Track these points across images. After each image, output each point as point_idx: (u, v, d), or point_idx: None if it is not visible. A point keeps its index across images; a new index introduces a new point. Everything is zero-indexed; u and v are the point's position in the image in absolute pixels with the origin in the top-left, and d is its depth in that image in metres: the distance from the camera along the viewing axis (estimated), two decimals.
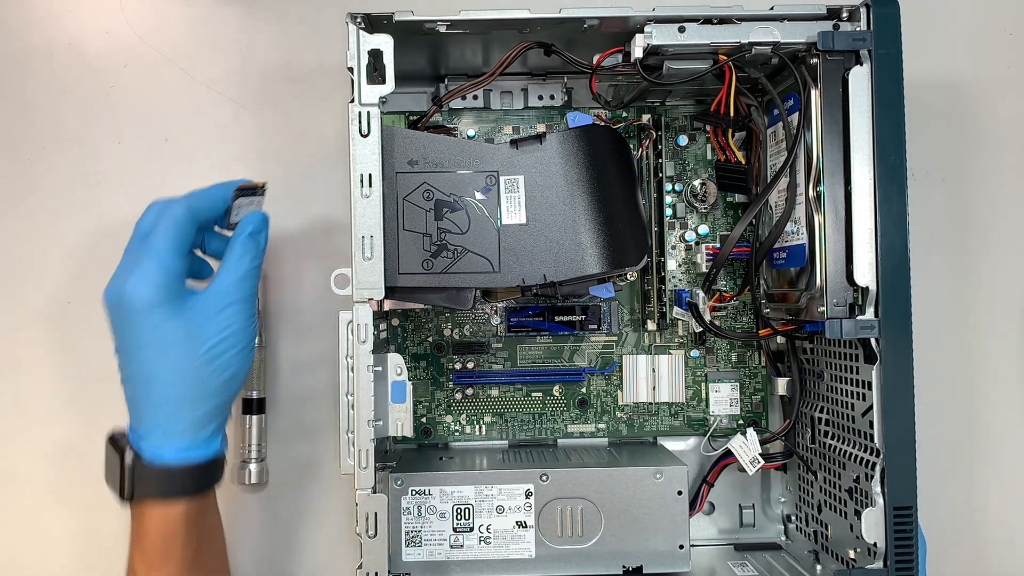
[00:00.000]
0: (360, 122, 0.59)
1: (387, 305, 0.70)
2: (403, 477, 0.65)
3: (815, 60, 0.60)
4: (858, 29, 0.59)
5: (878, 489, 0.58)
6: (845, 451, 0.64)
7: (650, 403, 0.75)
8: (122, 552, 0.75)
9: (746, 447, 0.70)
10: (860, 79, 0.58)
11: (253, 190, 0.63)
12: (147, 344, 0.57)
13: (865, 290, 0.58)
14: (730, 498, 0.76)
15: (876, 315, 0.58)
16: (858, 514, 0.60)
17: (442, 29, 0.60)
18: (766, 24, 0.60)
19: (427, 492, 0.65)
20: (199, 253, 0.65)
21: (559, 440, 0.75)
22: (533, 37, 0.63)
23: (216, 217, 0.62)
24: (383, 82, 0.58)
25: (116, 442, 0.59)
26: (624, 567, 0.65)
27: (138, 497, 0.58)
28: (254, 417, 0.73)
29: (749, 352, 0.75)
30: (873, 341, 0.58)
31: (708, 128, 0.73)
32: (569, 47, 0.64)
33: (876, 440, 0.59)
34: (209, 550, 0.62)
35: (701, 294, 0.70)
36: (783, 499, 0.75)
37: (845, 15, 0.60)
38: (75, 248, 0.75)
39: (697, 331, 0.74)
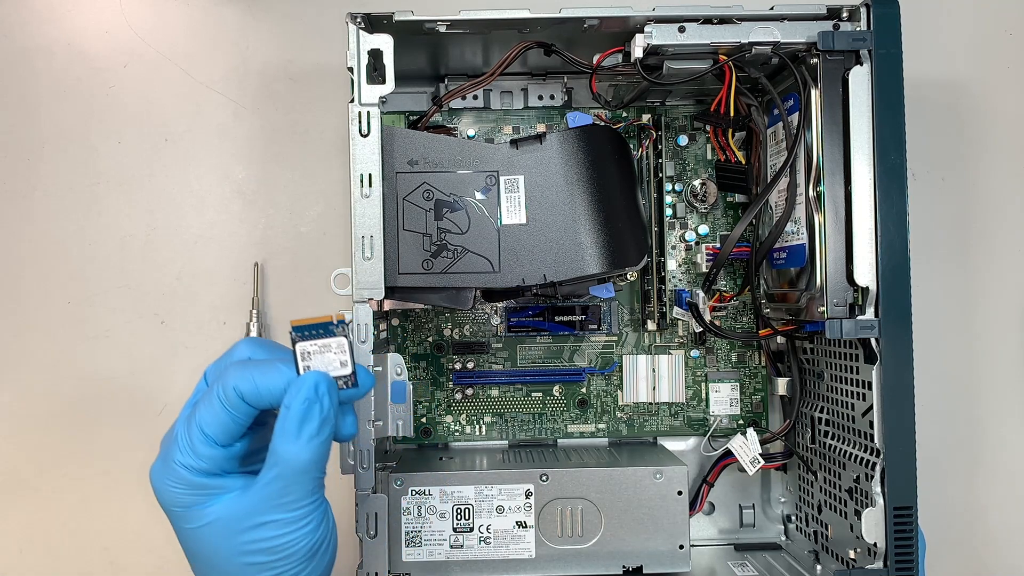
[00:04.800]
0: (360, 122, 0.59)
1: (387, 305, 0.70)
2: (403, 477, 0.65)
3: (815, 60, 0.60)
4: (858, 29, 0.59)
5: (878, 489, 0.58)
6: (845, 451, 0.64)
7: (650, 403, 0.75)
8: (122, 551, 0.76)
9: (746, 447, 0.70)
10: (860, 79, 0.58)
11: (321, 328, 0.47)
12: (183, 542, 0.50)
13: (865, 290, 0.58)
14: (730, 498, 0.76)
15: (876, 315, 0.58)
16: (858, 514, 0.60)
17: (442, 29, 0.60)
18: (766, 24, 0.60)
19: (427, 492, 0.65)
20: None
21: (559, 440, 0.75)
22: (533, 37, 0.63)
23: (279, 393, 0.48)
24: (383, 82, 0.58)
25: None
26: (624, 567, 0.65)
27: None
28: None
29: (749, 352, 0.75)
30: (873, 341, 0.58)
31: (708, 128, 0.73)
32: (569, 47, 0.64)
33: (876, 440, 0.59)
34: None
35: (701, 294, 0.70)
36: (783, 499, 0.75)
37: (845, 15, 0.60)
38: (75, 248, 0.75)
39: (697, 331, 0.74)
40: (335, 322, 0.47)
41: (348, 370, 0.48)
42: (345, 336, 0.47)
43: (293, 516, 0.48)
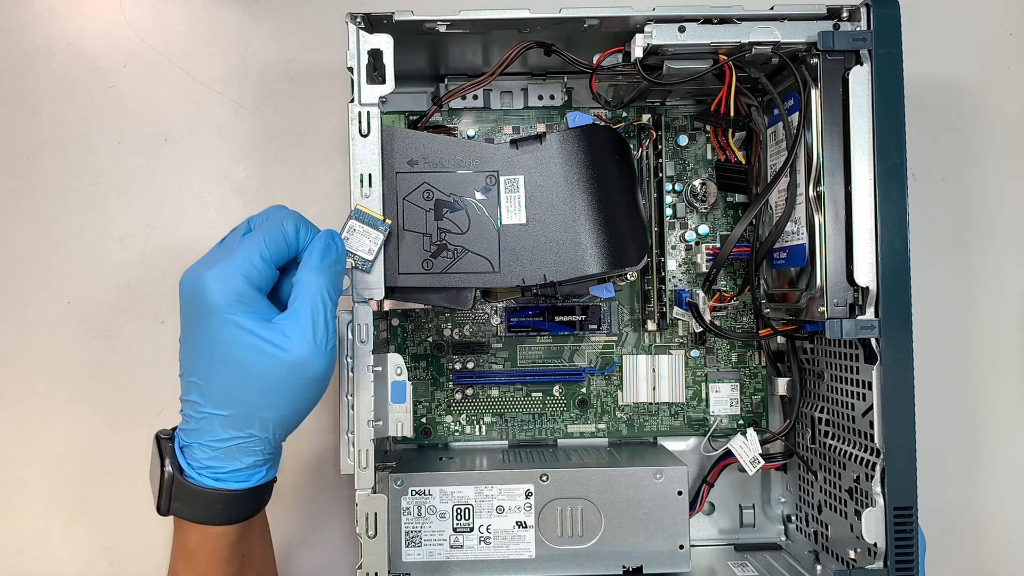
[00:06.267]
0: (360, 122, 0.59)
1: (387, 305, 0.70)
2: (403, 477, 0.65)
3: (815, 60, 0.60)
4: (858, 29, 0.59)
5: (878, 489, 0.58)
6: (845, 451, 0.64)
7: (650, 403, 0.75)
8: (122, 552, 0.76)
9: (746, 447, 0.70)
10: (860, 79, 0.58)
11: (373, 219, 0.58)
12: (207, 346, 0.53)
13: (865, 290, 0.58)
14: (730, 498, 0.76)
15: (876, 315, 0.58)
16: (858, 514, 0.60)
17: (442, 29, 0.60)
18: (766, 24, 0.60)
19: (427, 492, 0.65)
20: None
21: (559, 440, 0.75)
22: (533, 37, 0.63)
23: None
24: (383, 82, 0.58)
25: (160, 444, 0.56)
26: (624, 567, 0.65)
27: (174, 513, 0.55)
28: None
29: (749, 352, 0.75)
30: (873, 341, 0.58)
31: (708, 128, 0.73)
32: (569, 47, 0.64)
33: (876, 440, 0.59)
34: (253, 568, 0.59)
35: (701, 294, 0.70)
36: (783, 499, 0.75)
37: (845, 15, 0.60)
38: (75, 248, 0.75)
39: (697, 331, 0.74)
40: (384, 222, 0.59)
41: (371, 257, 0.59)
42: (383, 234, 0.58)
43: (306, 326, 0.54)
